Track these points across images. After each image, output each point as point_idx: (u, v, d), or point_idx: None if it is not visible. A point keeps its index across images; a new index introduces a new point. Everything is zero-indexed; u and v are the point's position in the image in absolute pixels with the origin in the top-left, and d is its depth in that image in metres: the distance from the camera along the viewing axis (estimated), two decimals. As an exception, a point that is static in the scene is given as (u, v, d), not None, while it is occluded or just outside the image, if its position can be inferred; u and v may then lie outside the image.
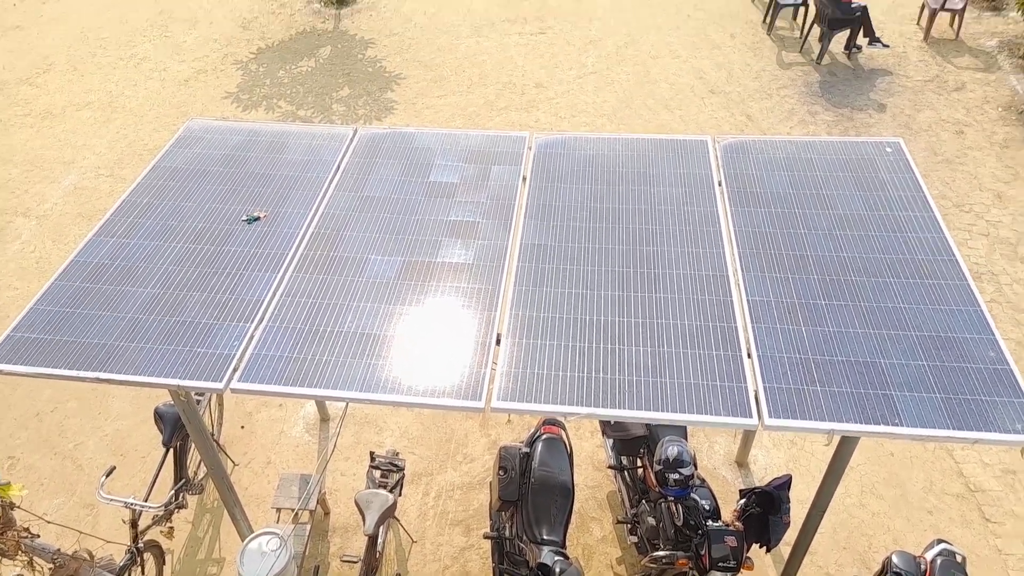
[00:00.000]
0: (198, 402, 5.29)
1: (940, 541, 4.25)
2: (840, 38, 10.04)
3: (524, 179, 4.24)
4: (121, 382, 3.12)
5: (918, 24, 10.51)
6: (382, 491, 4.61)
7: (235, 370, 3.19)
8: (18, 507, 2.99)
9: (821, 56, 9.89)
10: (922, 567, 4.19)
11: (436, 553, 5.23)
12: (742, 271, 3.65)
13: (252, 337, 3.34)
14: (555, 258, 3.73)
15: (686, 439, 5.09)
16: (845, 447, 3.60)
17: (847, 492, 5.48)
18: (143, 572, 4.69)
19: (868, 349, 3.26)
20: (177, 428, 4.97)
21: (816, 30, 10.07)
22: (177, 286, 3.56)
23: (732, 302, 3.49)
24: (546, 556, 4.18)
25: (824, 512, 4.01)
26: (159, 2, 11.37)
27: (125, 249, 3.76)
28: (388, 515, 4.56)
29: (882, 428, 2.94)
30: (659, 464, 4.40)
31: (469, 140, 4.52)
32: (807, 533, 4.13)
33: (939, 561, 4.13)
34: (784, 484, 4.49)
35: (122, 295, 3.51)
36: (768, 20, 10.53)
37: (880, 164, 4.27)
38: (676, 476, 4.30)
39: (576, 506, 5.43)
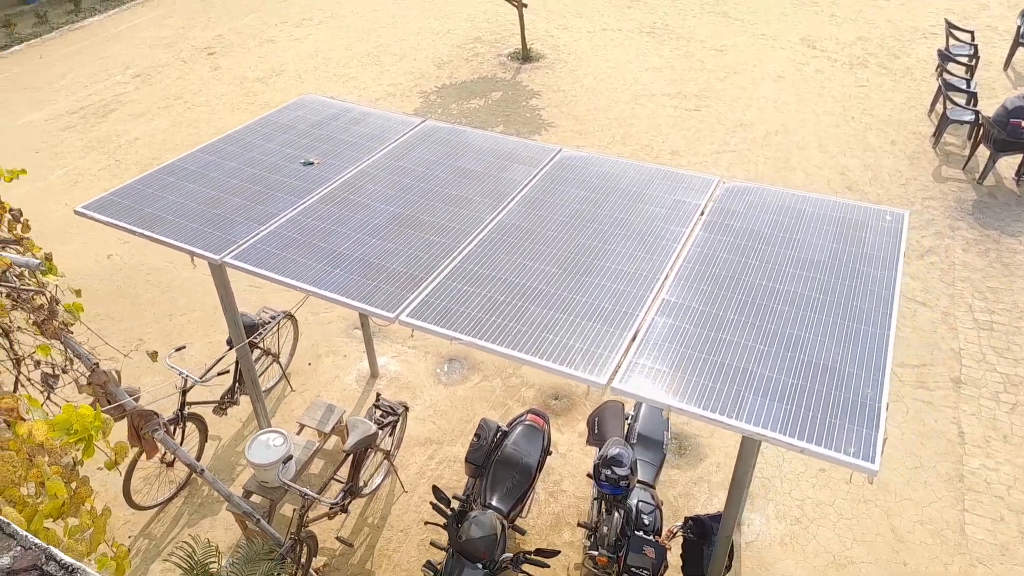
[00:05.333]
0: (267, 322, 6.34)
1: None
2: (1013, 162, 9.45)
3: (534, 177, 4.84)
4: (156, 240, 4.15)
5: (1116, 164, 9.58)
6: (368, 421, 5.27)
7: (233, 252, 4.10)
8: (59, 302, 4.04)
9: (983, 177, 9.37)
10: None
11: (419, 506, 5.75)
12: (673, 277, 3.94)
13: (258, 235, 4.24)
14: (519, 235, 4.27)
15: (660, 466, 5.24)
16: (743, 460, 3.69)
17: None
18: (183, 437, 5.71)
19: (749, 360, 3.42)
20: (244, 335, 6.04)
21: (986, 150, 9.57)
22: (227, 191, 4.60)
23: (647, 297, 3.80)
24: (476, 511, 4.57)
25: (730, 536, 4.04)
26: (381, 38, 13.46)
27: (206, 163, 4.91)
28: (368, 442, 5.18)
29: (711, 415, 3.12)
30: (598, 460, 4.64)
31: (507, 143, 5.22)
32: (717, 562, 4.16)
33: None
34: (718, 517, 4.53)
35: (187, 190, 4.61)
36: (936, 134, 10.17)
37: (871, 227, 4.32)
38: (608, 472, 4.53)
39: (556, 508, 5.73)
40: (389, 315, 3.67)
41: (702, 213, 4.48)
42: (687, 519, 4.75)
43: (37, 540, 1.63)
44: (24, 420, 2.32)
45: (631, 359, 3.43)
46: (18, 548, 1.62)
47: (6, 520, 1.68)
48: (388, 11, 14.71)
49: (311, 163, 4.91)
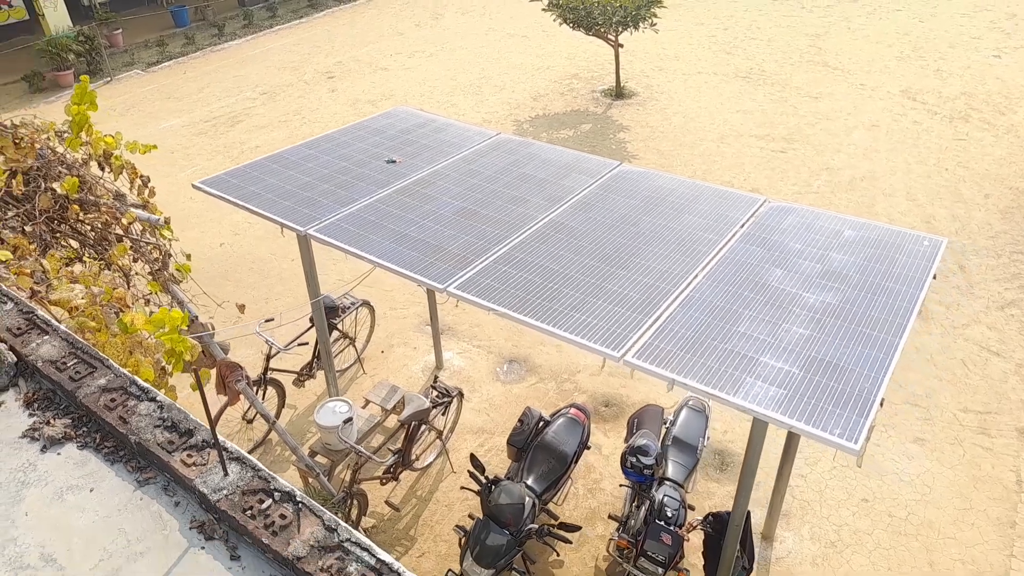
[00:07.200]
0: (347, 308, 6.99)
1: None
2: (1116, 223, 9.08)
3: (589, 186, 5.27)
4: (251, 210, 4.85)
5: None
6: (423, 398, 5.76)
7: (316, 226, 4.73)
8: (171, 256, 4.76)
9: (1081, 234, 9.04)
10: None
11: (464, 484, 6.16)
12: (702, 277, 4.25)
13: (340, 215, 4.87)
14: (566, 232, 4.70)
15: (692, 469, 5.45)
16: (752, 447, 3.92)
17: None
18: (264, 398, 6.38)
19: (758, 351, 3.69)
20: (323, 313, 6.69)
21: (1084, 208, 9.24)
22: (318, 179, 5.28)
23: (673, 292, 4.13)
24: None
25: (740, 525, 4.24)
26: (484, 71, 14.33)
27: (305, 155, 5.63)
28: (421, 416, 5.65)
29: (709, 389, 3.41)
30: (627, 449, 4.94)
31: (571, 156, 5.69)
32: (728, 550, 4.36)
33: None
34: (736, 514, 4.71)
35: (286, 175, 5.32)
36: (1034, 189, 9.89)
37: (905, 249, 4.49)
38: (634, 460, 4.82)
39: (593, 504, 6.01)
40: (439, 286, 4.17)
41: (742, 226, 4.77)
42: (708, 515, 4.95)
43: (125, 371, 2.19)
44: (130, 308, 2.93)
45: (647, 340, 3.77)
46: (111, 375, 2.18)
47: (106, 357, 2.25)
48: (494, 47, 15.64)
49: (393, 161, 5.53)
